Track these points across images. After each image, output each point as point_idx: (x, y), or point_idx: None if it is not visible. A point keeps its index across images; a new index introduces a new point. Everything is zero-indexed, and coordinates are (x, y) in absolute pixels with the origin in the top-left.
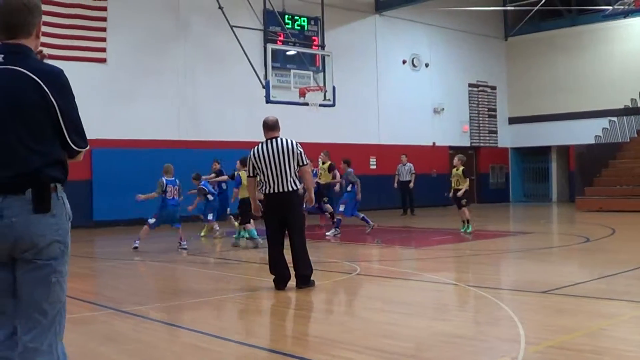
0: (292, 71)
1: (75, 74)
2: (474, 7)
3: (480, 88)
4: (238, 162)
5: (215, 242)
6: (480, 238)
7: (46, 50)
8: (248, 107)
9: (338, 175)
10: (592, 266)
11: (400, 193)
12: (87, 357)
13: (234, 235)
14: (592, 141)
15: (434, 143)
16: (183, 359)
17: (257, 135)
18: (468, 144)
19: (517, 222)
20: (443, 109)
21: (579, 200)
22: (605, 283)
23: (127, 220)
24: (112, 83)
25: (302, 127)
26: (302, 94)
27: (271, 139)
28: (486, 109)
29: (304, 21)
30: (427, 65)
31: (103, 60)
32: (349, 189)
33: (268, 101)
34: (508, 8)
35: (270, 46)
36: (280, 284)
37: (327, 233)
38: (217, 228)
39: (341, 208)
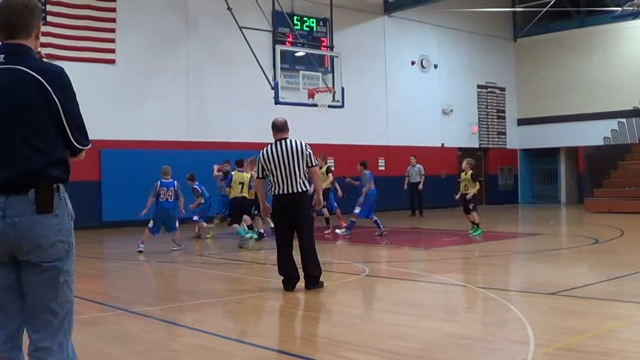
0: (300, 72)
1: (85, 75)
2: (483, 8)
3: (489, 89)
4: (236, 163)
5: (194, 242)
6: (489, 239)
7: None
8: (257, 108)
9: (331, 178)
10: (601, 268)
11: (409, 194)
12: (96, 357)
13: (261, 231)
14: (601, 143)
15: (442, 144)
16: None
17: (266, 136)
18: (477, 146)
19: (526, 223)
20: (452, 110)
21: (588, 201)
22: (614, 285)
23: (136, 221)
24: (121, 84)
25: (311, 128)
26: (311, 95)
27: (280, 140)
28: (495, 110)
29: (312, 22)
30: (436, 66)
31: (112, 62)
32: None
33: (277, 102)
34: (517, 9)
35: (279, 47)
36: (289, 285)
37: (337, 230)
38: (197, 230)
39: (357, 210)
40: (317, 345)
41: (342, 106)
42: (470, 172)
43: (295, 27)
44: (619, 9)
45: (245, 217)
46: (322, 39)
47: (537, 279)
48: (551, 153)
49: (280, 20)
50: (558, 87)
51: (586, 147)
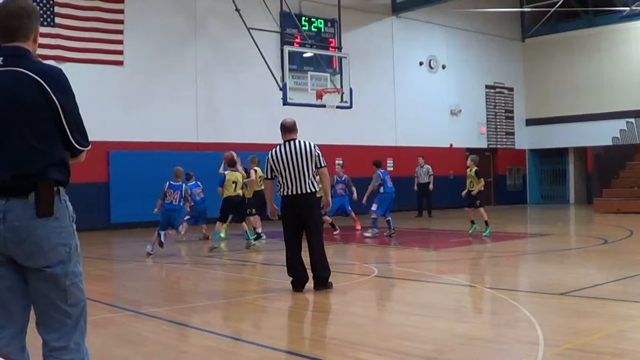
0: (309, 73)
1: (93, 76)
2: (491, 8)
3: (497, 89)
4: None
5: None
6: (497, 240)
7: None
8: (265, 109)
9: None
10: (610, 268)
11: (417, 195)
12: (105, 359)
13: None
14: (610, 143)
15: (451, 145)
16: None
17: (275, 137)
18: (485, 146)
19: (535, 223)
20: (460, 111)
21: (597, 201)
22: (623, 285)
23: (145, 222)
24: (129, 85)
25: (319, 129)
26: (319, 96)
27: (289, 141)
28: (503, 111)
29: (320, 23)
30: (444, 66)
31: (120, 63)
32: (381, 190)
33: (285, 103)
34: (525, 9)
35: (287, 48)
36: (298, 285)
37: (365, 234)
38: (204, 232)
39: (374, 207)
40: (327, 346)
41: (350, 107)
42: (474, 168)
43: (303, 28)
44: (627, 8)
45: (255, 217)
46: (330, 39)
47: (546, 279)
48: (560, 153)
49: (288, 21)
50: (566, 87)
51: (595, 147)
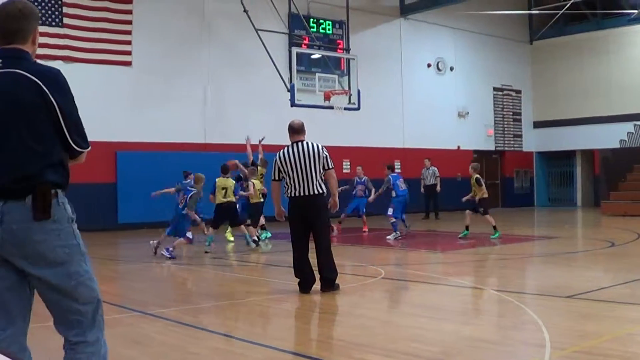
0: (317, 75)
1: (101, 77)
2: (499, 11)
3: (505, 92)
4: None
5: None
6: (505, 242)
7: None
8: (273, 110)
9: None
10: (617, 271)
11: (424, 197)
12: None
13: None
14: (617, 145)
15: (458, 147)
16: None
17: (283, 138)
18: (493, 148)
19: (542, 226)
20: (468, 113)
21: (604, 204)
22: (630, 288)
23: (152, 222)
24: (137, 86)
25: (326, 130)
26: (327, 97)
27: (297, 142)
28: (511, 113)
29: (329, 25)
30: (452, 68)
31: (128, 64)
32: (393, 194)
33: (293, 104)
34: (533, 12)
35: (295, 49)
36: (305, 287)
37: (388, 238)
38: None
39: (390, 211)
40: (334, 348)
41: (358, 108)
42: (475, 176)
43: (312, 29)
44: (636, 11)
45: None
46: (338, 41)
47: (553, 281)
48: (567, 156)
49: (297, 23)
50: (574, 90)
51: (602, 150)
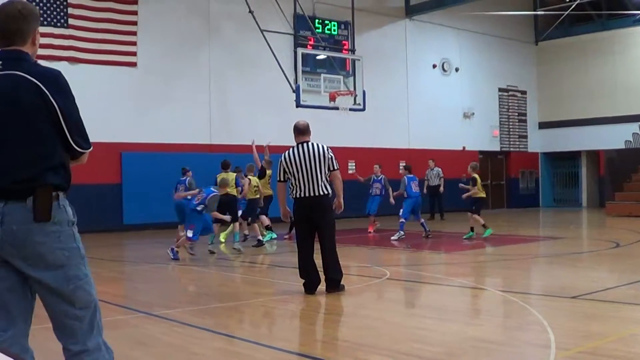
0: (322, 75)
1: (106, 77)
2: (505, 11)
3: (510, 93)
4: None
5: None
6: (509, 243)
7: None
8: (278, 111)
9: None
10: (622, 271)
11: (428, 198)
12: None
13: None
14: (622, 146)
15: (464, 147)
16: None
17: (288, 139)
18: (498, 149)
19: (547, 227)
20: (473, 114)
21: (609, 205)
22: (635, 288)
23: (157, 223)
24: (142, 87)
25: (332, 131)
26: (332, 98)
27: (302, 143)
28: (516, 114)
29: (334, 25)
30: (457, 69)
31: (134, 65)
32: (404, 195)
33: (298, 105)
34: (538, 13)
35: (300, 50)
36: (310, 288)
37: (392, 237)
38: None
39: (401, 212)
40: (339, 348)
41: (363, 109)
42: (472, 175)
43: (317, 30)
44: None
45: (262, 217)
46: (343, 42)
47: (558, 282)
48: (572, 156)
49: (302, 24)
50: (579, 91)
51: (607, 151)
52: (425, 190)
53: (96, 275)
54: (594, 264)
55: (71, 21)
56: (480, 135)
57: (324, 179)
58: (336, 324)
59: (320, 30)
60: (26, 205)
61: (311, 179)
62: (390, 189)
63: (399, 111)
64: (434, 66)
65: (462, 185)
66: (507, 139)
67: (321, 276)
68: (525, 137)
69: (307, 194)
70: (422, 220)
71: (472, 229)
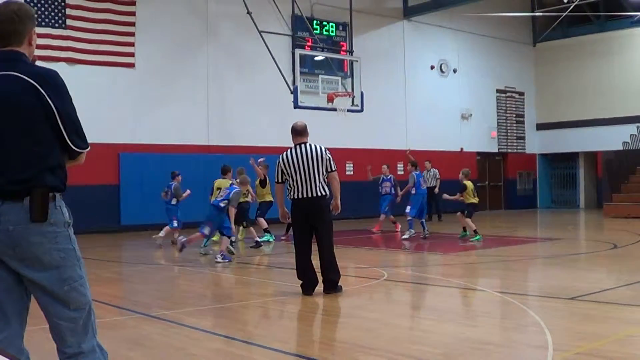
0: (320, 76)
1: (104, 78)
2: (503, 13)
3: (508, 94)
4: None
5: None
6: (507, 244)
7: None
8: (276, 112)
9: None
10: (619, 273)
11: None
12: None
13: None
14: (620, 147)
15: (461, 149)
16: None
17: (286, 140)
18: (496, 150)
19: (545, 228)
20: (471, 115)
21: (607, 206)
22: (633, 290)
23: (155, 224)
24: (140, 88)
25: (330, 132)
26: (330, 99)
27: (300, 145)
28: (514, 115)
29: (332, 27)
30: (455, 70)
31: (132, 65)
32: (412, 191)
33: (296, 106)
34: (536, 14)
35: (298, 51)
36: (307, 289)
37: (403, 236)
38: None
39: (408, 209)
40: (336, 350)
41: (361, 110)
42: (463, 182)
43: (315, 31)
44: (639, 14)
45: (260, 220)
46: (341, 43)
47: (555, 283)
48: (570, 158)
49: (300, 25)
50: (577, 92)
51: (605, 152)
52: None
53: (94, 276)
54: (591, 266)
55: (69, 22)
56: (478, 136)
57: (321, 180)
58: (333, 325)
59: (318, 32)
60: (23, 205)
61: (309, 180)
62: (399, 188)
63: (397, 112)
64: (432, 67)
65: (447, 196)
66: (504, 140)
67: (319, 277)
68: (523, 138)
69: (304, 195)
70: (423, 219)
71: (464, 229)
